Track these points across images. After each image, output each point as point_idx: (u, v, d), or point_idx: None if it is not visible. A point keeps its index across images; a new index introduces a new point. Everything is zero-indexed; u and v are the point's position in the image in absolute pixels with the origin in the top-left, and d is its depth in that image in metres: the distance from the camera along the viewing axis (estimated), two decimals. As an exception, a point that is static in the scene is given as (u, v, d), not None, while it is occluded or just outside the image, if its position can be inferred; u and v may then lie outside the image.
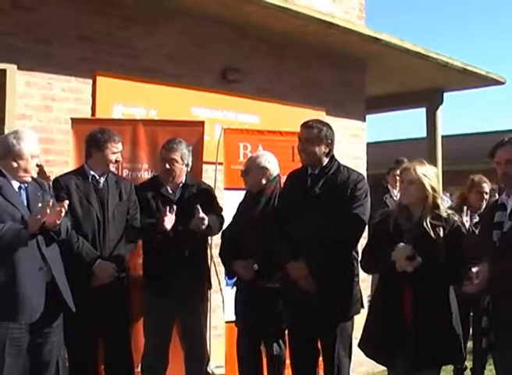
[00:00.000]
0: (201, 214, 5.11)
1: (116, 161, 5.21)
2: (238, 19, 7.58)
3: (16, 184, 4.51)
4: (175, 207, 5.15)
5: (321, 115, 8.27)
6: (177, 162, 5.32)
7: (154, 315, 5.30)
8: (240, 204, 5.52)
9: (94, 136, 5.19)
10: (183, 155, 5.34)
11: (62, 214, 4.29)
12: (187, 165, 5.41)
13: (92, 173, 5.16)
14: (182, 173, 5.38)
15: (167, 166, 5.32)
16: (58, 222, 4.33)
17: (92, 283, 4.92)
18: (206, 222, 5.14)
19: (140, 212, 5.30)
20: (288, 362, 5.26)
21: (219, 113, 7.69)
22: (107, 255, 5.03)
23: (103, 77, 6.69)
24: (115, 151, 5.16)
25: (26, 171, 4.51)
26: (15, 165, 4.48)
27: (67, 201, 4.37)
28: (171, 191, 5.34)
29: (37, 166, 4.55)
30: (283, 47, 8.45)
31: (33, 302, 4.33)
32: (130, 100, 6.85)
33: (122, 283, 5.14)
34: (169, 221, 5.12)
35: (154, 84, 7.02)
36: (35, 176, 4.56)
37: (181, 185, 5.37)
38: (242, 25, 7.75)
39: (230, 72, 7.78)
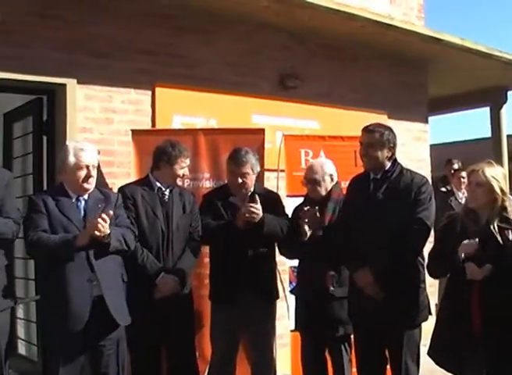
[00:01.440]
0: (258, 204, 5.09)
1: (183, 175, 5.22)
2: (293, 24, 7.57)
3: (74, 197, 4.60)
4: (257, 196, 5.13)
5: (382, 118, 8.19)
6: (249, 174, 5.29)
7: (220, 325, 5.30)
8: (296, 210, 5.48)
9: (164, 149, 5.18)
10: (252, 166, 5.31)
11: (106, 225, 4.35)
12: (256, 173, 5.40)
13: (158, 184, 5.19)
14: (251, 184, 5.36)
15: (239, 180, 5.27)
16: (103, 234, 4.37)
17: (154, 295, 4.94)
18: (259, 212, 5.11)
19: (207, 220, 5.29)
20: (354, 370, 5.20)
21: (279, 120, 7.66)
22: (170, 268, 5.04)
23: (162, 88, 6.75)
24: (184, 166, 5.17)
25: (82, 183, 4.59)
26: (72, 177, 4.58)
27: (111, 212, 4.42)
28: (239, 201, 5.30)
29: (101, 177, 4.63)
30: (341, 50, 8.40)
31: (77, 312, 4.41)
32: (190, 110, 6.89)
33: (185, 295, 5.14)
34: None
35: (213, 93, 7.05)
36: (90, 188, 4.63)
37: (250, 193, 5.30)
38: (298, 30, 7.73)
39: (288, 78, 7.76)
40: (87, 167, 4.58)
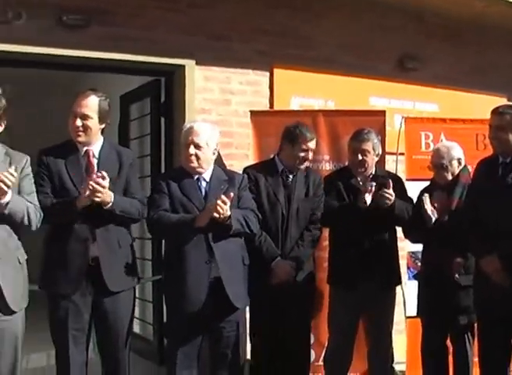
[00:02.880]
0: (391, 190, 5.03)
1: (304, 159, 5.17)
2: (413, 4, 7.40)
3: (195, 177, 4.66)
4: (373, 184, 5.07)
5: (502, 101, 7.94)
6: (369, 152, 5.23)
7: (340, 310, 5.26)
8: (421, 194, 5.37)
9: (288, 129, 5.20)
10: (374, 145, 5.25)
11: (226, 207, 4.35)
12: (378, 155, 5.33)
13: (282, 166, 5.20)
14: (373, 164, 5.31)
15: (359, 156, 5.23)
16: (223, 215, 4.38)
17: (270, 280, 4.96)
18: (393, 198, 5.03)
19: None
20: (475, 360, 5.07)
21: (397, 102, 7.53)
22: (287, 252, 5.05)
23: (280, 69, 6.73)
24: (305, 148, 5.14)
25: (188, 161, 4.63)
26: (182, 155, 4.65)
27: (232, 194, 4.41)
28: (361, 183, 5.23)
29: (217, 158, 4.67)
30: (461, 31, 8.15)
31: (194, 292, 4.46)
32: (308, 91, 6.85)
33: (302, 279, 5.13)
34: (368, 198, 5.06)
35: (331, 75, 6.98)
36: (195, 166, 4.64)
37: (371, 176, 5.27)
38: (417, 11, 7.56)
39: (407, 60, 7.62)
40: (192, 145, 4.62)
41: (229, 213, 4.40)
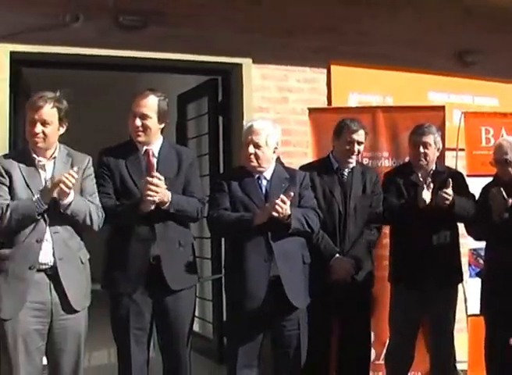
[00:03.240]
0: (450, 189, 4.93)
1: (351, 152, 5.12)
2: (471, -2, 7.30)
3: (255, 176, 4.65)
4: (430, 180, 5.00)
5: None
6: (430, 145, 5.16)
7: (401, 309, 5.18)
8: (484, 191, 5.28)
9: (336, 124, 5.20)
10: (435, 139, 5.18)
11: (285, 205, 4.33)
12: (438, 149, 5.25)
13: (336, 164, 5.17)
14: (434, 158, 5.23)
15: (421, 149, 5.16)
16: (282, 214, 4.36)
17: (329, 277, 4.93)
18: (451, 198, 4.93)
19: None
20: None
21: (456, 97, 7.40)
22: (346, 250, 5.02)
23: (337, 66, 6.69)
24: (349, 140, 5.09)
25: (248, 160, 4.62)
26: (243, 154, 4.65)
27: (292, 193, 4.39)
28: (421, 179, 5.11)
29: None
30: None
31: (253, 291, 4.45)
32: (366, 87, 6.80)
33: (362, 278, 5.09)
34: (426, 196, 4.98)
35: (388, 70, 6.91)
36: (256, 165, 4.63)
37: (432, 172, 5.19)
38: (477, 4, 7.42)
39: (466, 54, 7.49)
40: (252, 144, 4.60)
41: (288, 212, 4.38)
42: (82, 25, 5.72)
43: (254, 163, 4.61)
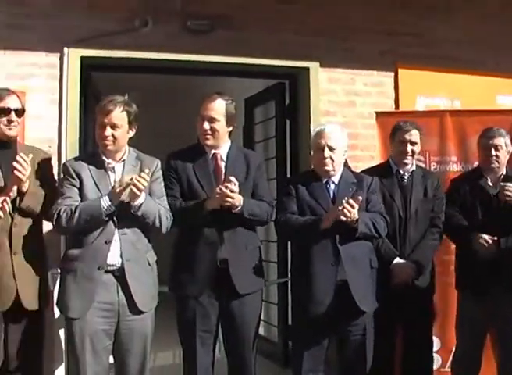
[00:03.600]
0: None
1: (404, 152, 5.08)
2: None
3: (324, 180, 4.66)
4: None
5: None
6: (501, 147, 5.06)
7: (467, 320, 5.09)
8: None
9: (392, 127, 5.20)
10: (506, 141, 5.08)
11: (353, 210, 4.31)
12: (509, 152, 5.14)
13: (396, 167, 5.13)
14: (505, 162, 5.12)
15: (492, 151, 5.05)
16: (350, 219, 4.35)
17: (391, 281, 4.89)
18: None
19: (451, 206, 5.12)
20: None
21: (525, 101, 7.27)
22: (407, 255, 4.96)
23: (405, 69, 6.62)
24: (402, 140, 5.08)
25: (322, 165, 4.62)
26: (315, 159, 4.66)
27: (360, 198, 4.37)
28: (491, 184, 5.04)
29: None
30: None
31: (320, 295, 4.44)
32: (433, 91, 6.69)
33: (424, 282, 5.03)
34: None
35: (456, 74, 6.79)
36: (330, 170, 4.62)
37: (502, 176, 5.08)
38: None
39: (536, 56, 7.36)
40: (324, 148, 4.59)
41: (356, 216, 4.37)
42: (151, 30, 5.81)
43: (330, 167, 4.61)
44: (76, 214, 4.00)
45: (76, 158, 4.37)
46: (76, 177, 4.12)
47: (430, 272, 5.11)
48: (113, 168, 4.20)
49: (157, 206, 4.21)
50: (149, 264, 4.24)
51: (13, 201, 4.05)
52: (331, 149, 4.59)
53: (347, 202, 4.29)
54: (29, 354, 4.18)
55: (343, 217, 4.32)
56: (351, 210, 4.30)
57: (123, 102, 4.16)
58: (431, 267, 5.14)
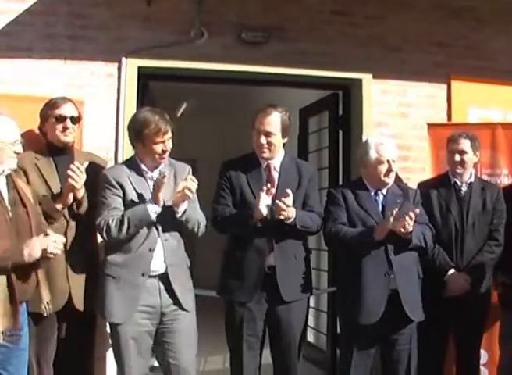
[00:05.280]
0: None
1: (456, 163, 5.04)
2: None
3: (372, 191, 4.68)
4: None
5: None
6: None
7: (509, 332, 5.01)
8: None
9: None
10: None
11: (411, 222, 4.33)
12: None
13: (453, 179, 5.10)
14: None
15: None
16: (406, 230, 4.36)
17: (444, 293, 4.86)
18: None
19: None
20: None
21: None
22: (463, 267, 4.91)
23: (458, 81, 6.57)
24: (450, 149, 5.09)
25: (383, 177, 4.64)
26: (372, 171, 4.67)
27: (417, 210, 4.39)
28: None
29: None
30: None
31: (372, 304, 4.45)
32: (486, 103, 6.62)
33: (477, 296, 4.95)
34: None
35: (509, 86, 6.72)
36: (390, 182, 4.67)
37: None
38: None
39: None
40: (388, 162, 4.61)
41: (411, 229, 4.38)
42: (206, 41, 5.92)
43: (391, 180, 4.66)
44: (125, 223, 4.11)
45: (114, 167, 4.55)
46: (118, 187, 4.23)
47: (485, 285, 5.03)
48: (152, 177, 4.31)
49: (196, 212, 4.34)
50: (187, 266, 4.40)
51: (69, 207, 4.18)
52: (393, 162, 4.64)
53: (408, 215, 4.30)
54: (80, 354, 4.32)
55: (402, 229, 4.34)
56: (410, 223, 4.32)
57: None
58: (488, 279, 5.06)
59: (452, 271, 4.89)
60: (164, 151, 4.23)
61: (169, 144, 4.26)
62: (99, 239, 4.48)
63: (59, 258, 4.03)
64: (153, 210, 4.12)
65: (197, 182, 4.12)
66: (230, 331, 4.61)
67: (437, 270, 4.85)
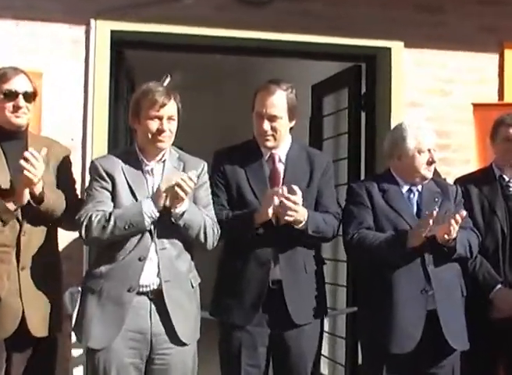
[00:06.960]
0: None
1: (508, 151, 4.98)
2: None
3: (405, 188, 4.61)
4: None
5: None
6: None
7: None
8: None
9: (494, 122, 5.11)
10: None
11: (456, 226, 4.24)
12: None
13: (499, 172, 5.04)
14: None
15: None
16: (450, 236, 4.28)
17: (491, 314, 4.79)
18: None
19: None
20: None
21: None
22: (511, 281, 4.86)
23: (513, 50, 6.53)
24: (504, 136, 4.99)
25: (422, 171, 4.56)
26: (408, 163, 4.59)
27: (464, 213, 4.30)
28: None
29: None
30: None
31: (408, 329, 4.38)
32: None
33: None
34: None
35: None
36: (429, 176, 4.61)
37: None
38: None
39: None
40: (429, 151, 4.55)
41: (455, 235, 4.30)
42: (196, 0, 5.82)
43: (431, 174, 4.62)
44: (111, 222, 4.01)
45: (107, 157, 4.39)
46: (107, 179, 4.14)
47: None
48: (151, 170, 4.21)
49: (203, 216, 4.19)
50: (192, 286, 4.25)
51: (23, 207, 4.10)
52: (434, 151, 4.58)
53: (453, 218, 4.20)
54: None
55: (446, 236, 4.27)
56: (456, 227, 4.24)
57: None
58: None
59: (499, 287, 4.82)
60: (160, 131, 4.10)
61: (169, 126, 4.12)
62: (60, 247, 4.41)
63: (9, 271, 3.96)
64: (149, 211, 4.01)
65: (195, 180, 3.99)
66: (226, 360, 4.56)
67: (481, 286, 4.80)
